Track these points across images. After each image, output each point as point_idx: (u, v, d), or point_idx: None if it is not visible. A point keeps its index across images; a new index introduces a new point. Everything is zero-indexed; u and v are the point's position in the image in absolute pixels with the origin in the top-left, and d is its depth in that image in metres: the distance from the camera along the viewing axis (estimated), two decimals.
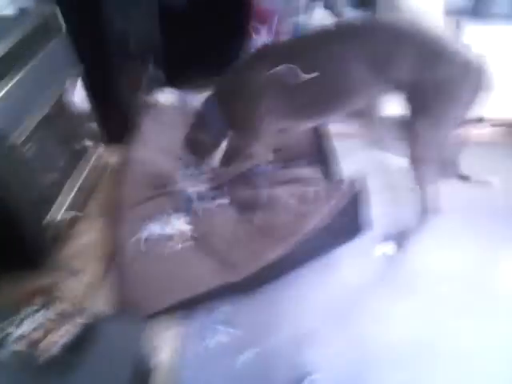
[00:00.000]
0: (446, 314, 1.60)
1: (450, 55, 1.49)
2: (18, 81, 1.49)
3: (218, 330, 1.54)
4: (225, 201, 1.90)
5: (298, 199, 1.82)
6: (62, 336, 1.21)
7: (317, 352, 1.48)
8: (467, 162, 1.87)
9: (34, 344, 1.19)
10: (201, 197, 1.90)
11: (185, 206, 1.87)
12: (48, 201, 1.72)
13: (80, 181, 1.93)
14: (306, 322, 1.58)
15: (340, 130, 2.20)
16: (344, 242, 1.79)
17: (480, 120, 2.11)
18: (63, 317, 1.27)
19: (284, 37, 2.73)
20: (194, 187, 1.91)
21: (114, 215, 1.88)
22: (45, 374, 1.16)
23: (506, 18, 2.22)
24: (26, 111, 1.55)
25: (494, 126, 2.40)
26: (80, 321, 1.26)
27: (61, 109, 1.79)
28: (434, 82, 1.49)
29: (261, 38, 2.72)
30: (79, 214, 1.90)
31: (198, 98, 2.46)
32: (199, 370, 1.44)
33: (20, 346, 1.19)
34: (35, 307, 1.29)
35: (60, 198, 1.79)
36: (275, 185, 1.90)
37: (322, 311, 1.63)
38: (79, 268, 1.70)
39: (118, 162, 2.19)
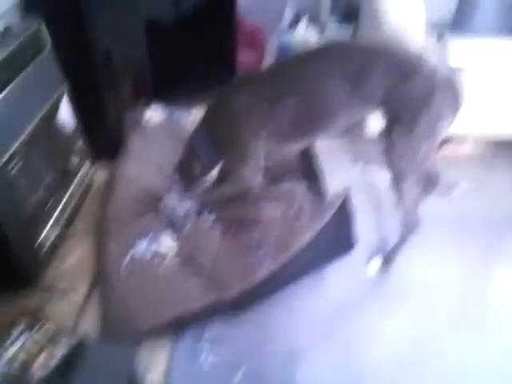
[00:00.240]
0: (434, 330, 1.63)
1: (421, 69, 1.57)
2: (2, 98, 1.47)
3: (207, 349, 1.53)
4: (212, 217, 1.91)
5: (284, 215, 1.83)
6: (51, 358, 1.20)
7: (306, 369, 1.48)
8: (449, 177, 1.92)
9: (25, 366, 1.17)
10: (188, 213, 1.90)
11: (172, 222, 1.87)
12: (34, 220, 1.69)
13: (66, 198, 1.91)
14: (295, 340, 1.59)
15: (326, 146, 2.23)
16: (332, 259, 1.80)
17: (458, 137, 2.16)
18: (52, 338, 1.25)
19: (269, 55, 2.79)
20: (181, 204, 1.91)
21: (101, 233, 1.87)
22: None
23: (488, 31, 2.28)
24: (10, 129, 1.53)
25: (475, 140, 2.46)
26: (69, 342, 1.24)
27: (47, 126, 1.77)
28: (406, 93, 1.58)
29: (246, 56, 2.77)
30: (66, 232, 1.88)
31: (185, 114, 2.48)
32: None
33: (10, 369, 1.17)
34: (24, 328, 1.27)
35: (46, 217, 1.77)
36: (262, 201, 1.91)
37: (311, 328, 1.64)
38: (67, 288, 1.67)
39: (105, 179, 2.17)
